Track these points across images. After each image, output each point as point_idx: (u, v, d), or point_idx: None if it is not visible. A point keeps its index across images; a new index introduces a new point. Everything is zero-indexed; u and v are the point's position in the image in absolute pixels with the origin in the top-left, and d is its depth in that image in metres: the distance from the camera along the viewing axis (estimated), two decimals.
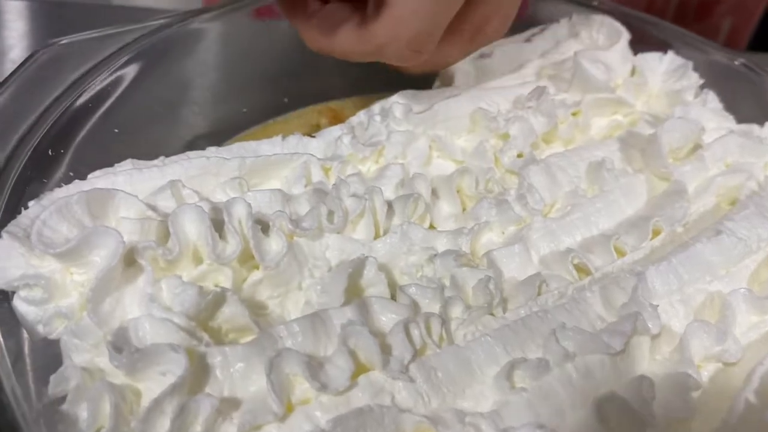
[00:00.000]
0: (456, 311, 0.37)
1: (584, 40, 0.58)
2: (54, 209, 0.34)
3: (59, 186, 0.39)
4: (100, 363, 0.32)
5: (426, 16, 0.40)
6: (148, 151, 0.45)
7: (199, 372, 0.31)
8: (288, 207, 0.40)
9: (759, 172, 0.47)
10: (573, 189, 0.45)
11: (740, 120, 0.53)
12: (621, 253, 0.41)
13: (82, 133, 0.46)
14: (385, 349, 0.33)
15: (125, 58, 0.50)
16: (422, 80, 0.52)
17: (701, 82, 0.55)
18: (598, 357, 0.33)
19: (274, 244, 0.37)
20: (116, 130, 0.49)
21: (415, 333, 0.34)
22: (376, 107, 0.49)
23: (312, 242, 0.39)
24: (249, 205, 0.37)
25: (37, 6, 0.82)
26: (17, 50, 0.76)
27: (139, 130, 0.52)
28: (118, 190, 0.37)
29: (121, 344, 0.31)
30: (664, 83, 0.55)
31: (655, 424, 0.32)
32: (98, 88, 0.48)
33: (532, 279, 0.39)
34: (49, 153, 0.43)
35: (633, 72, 0.56)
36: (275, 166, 0.43)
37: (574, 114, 0.52)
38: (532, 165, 0.45)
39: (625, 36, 0.56)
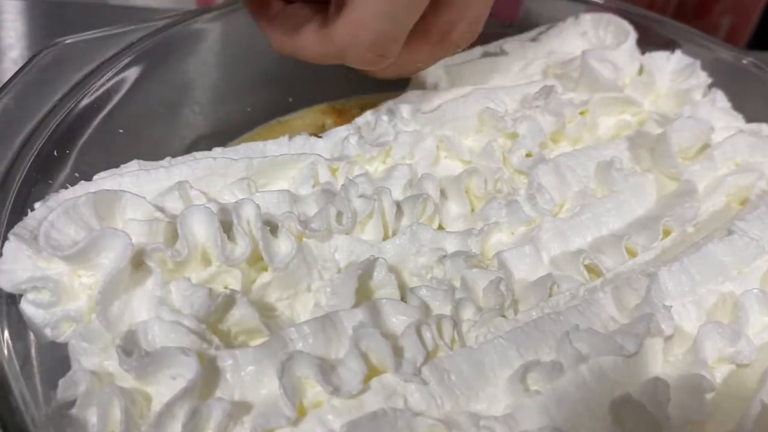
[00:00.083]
0: (467, 313, 0.36)
1: (591, 39, 0.58)
2: (61, 211, 0.34)
3: (64, 187, 0.39)
4: (109, 367, 0.32)
5: (387, 18, 0.38)
6: (152, 151, 0.44)
7: (209, 375, 0.31)
8: (296, 208, 0.40)
9: None
10: (582, 189, 0.45)
11: (748, 119, 0.53)
12: (632, 254, 0.41)
13: (87, 134, 0.46)
14: (397, 352, 0.32)
15: (128, 59, 0.50)
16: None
17: (710, 81, 0.54)
18: (611, 359, 0.33)
19: (284, 246, 0.37)
20: (120, 131, 0.48)
21: (427, 335, 0.34)
22: (383, 107, 0.49)
23: (321, 243, 0.39)
24: (258, 206, 0.37)
25: (37, 5, 0.82)
26: (17, 50, 0.75)
27: (143, 130, 0.52)
28: (125, 191, 0.37)
29: (130, 348, 0.30)
30: (672, 82, 0.54)
31: (671, 426, 0.31)
32: (102, 88, 0.48)
33: (543, 280, 0.38)
34: (54, 154, 0.42)
35: (640, 71, 0.56)
36: (282, 167, 0.43)
37: (581, 113, 0.51)
38: (541, 165, 0.45)
39: (633, 35, 0.55)
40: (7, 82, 0.43)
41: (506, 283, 0.37)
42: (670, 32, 0.61)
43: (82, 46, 0.48)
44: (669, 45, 0.57)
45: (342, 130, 0.47)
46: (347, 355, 0.32)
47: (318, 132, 0.48)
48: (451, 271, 0.39)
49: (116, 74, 0.49)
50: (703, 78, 0.54)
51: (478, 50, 0.58)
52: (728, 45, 0.60)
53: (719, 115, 0.51)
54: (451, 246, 0.41)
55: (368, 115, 0.48)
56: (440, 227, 0.43)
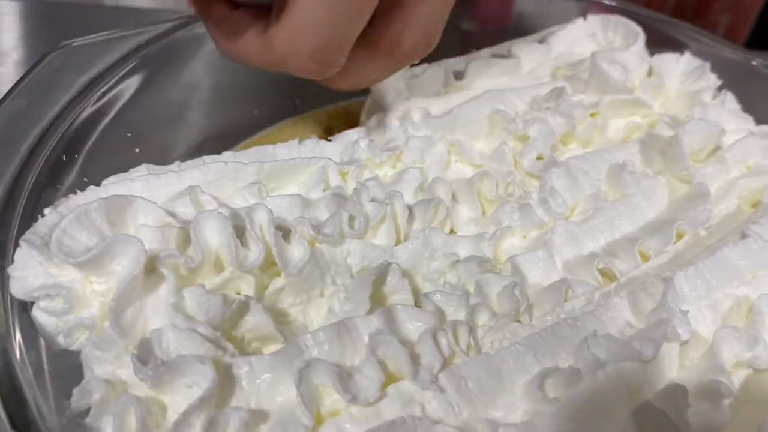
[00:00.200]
0: (482, 318, 0.36)
1: (600, 41, 0.58)
2: (73, 217, 0.34)
3: (72, 192, 0.38)
4: (123, 375, 0.31)
5: (327, 26, 0.36)
6: (160, 154, 0.44)
7: (225, 384, 0.30)
8: (307, 212, 0.40)
9: None
10: (594, 192, 0.45)
11: (758, 120, 0.52)
12: (645, 258, 0.41)
13: (94, 138, 0.46)
14: (413, 359, 0.32)
15: (134, 62, 0.49)
16: None
17: (719, 83, 0.54)
18: (628, 364, 0.33)
19: (296, 251, 0.37)
20: (128, 134, 0.48)
21: (443, 341, 0.33)
22: (394, 111, 0.48)
23: (333, 248, 0.38)
24: (270, 211, 0.37)
25: (37, 7, 0.81)
26: (18, 52, 0.75)
27: (150, 134, 0.52)
28: (136, 196, 0.36)
29: (146, 356, 0.30)
30: (682, 84, 0.54)
31: None
32: (109, 92, 0.47)
33: (557, 285, 0.38)
34: (63, 159, 0.42)
35: (650, 73, 0.55)
36: (293, 171, 0.43)
37: (592, 115, 0.51)
38: (553, 168, 0.45)
39: (642, 37, 0.55)
40: (16, 84, 0.42)
41: (521, 287, 0.37)
42: (676, 32, 0.61)
43: (88, 48, 0.48)
44: (669, 43, 0.57)
45: (352, 134, 0.47)
46: (364, 363, 0.31)
47: (326, 134, 0.47)
48: (464, 276, 0.39)
49: (123, 78, 0.48)
50: (712, 80, 0.54)
51: (486, 52, 0.58)
52: (736, 45, 0.60)
53: (730, 117, 0.50)
54: (463, 250, 0.40)
55: (378, 119, 0.48)
56: (452, 231, 0.43)
